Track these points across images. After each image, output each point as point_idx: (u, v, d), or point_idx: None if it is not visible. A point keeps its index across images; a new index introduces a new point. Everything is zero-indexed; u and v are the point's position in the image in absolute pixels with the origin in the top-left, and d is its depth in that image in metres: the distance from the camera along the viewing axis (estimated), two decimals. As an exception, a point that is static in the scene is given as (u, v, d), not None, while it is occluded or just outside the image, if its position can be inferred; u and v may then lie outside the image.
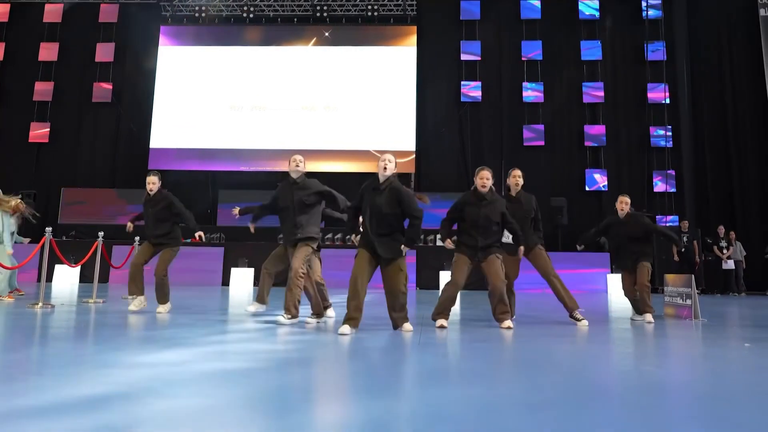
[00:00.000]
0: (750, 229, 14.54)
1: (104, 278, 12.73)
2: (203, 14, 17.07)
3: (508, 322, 4.96)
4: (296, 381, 2.62)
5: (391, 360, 3.28)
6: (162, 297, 6.04)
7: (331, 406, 2.14)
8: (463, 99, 16.06)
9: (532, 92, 15.95)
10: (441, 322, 4.96)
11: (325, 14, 16.88)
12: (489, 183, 5.13)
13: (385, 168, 4.58)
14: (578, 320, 5.50)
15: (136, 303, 5.97)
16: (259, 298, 6.08)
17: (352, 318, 4.41)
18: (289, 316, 4.96)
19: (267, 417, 1.97)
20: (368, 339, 4.08)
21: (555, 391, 2.45)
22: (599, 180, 15.35)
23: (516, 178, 5.84)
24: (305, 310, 5.73)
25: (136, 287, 5.97)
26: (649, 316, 5.93)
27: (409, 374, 2.87)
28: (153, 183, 6.08)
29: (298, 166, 5.32)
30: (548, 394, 2.37)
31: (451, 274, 5.11)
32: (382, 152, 4.84)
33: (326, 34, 16.82)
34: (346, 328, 4.34)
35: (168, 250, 6.07)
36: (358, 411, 2.05)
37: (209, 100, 16.50)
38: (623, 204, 6.32)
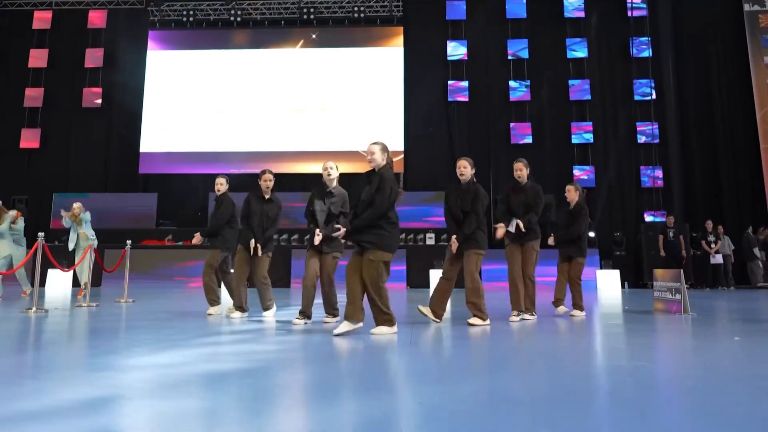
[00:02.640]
0: (738, 223, 14.64)
1: (97, 282, 12.71)
2: (191, 18, 17.06)
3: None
4: (290, 381, 2.66)
5: (384, 359, 3.31)
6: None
7: (326, 406, 2.16)
8: (450, 98, 16.14)
9: (518, 90, 16.05)
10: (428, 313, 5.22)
11: (311, 16, 16.90)
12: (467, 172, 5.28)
13: (371, 161, 4.49)
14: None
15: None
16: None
17: (352, 316, 4.30)
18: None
19: (262, 418, 2.00)
20: (360, 338, 4.13)
21: (547, 387, 2.49)
22: (587, 176, 15.44)
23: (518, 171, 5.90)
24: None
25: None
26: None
27: (401, 373, 2.91)
28: (221, 184, 6.39)
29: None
30: (540, 390, 2.41)
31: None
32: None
33: (313, 36, 16.86)
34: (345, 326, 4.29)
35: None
36: (353, 411, 2.09)
37: (198, 104, 16.52)
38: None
